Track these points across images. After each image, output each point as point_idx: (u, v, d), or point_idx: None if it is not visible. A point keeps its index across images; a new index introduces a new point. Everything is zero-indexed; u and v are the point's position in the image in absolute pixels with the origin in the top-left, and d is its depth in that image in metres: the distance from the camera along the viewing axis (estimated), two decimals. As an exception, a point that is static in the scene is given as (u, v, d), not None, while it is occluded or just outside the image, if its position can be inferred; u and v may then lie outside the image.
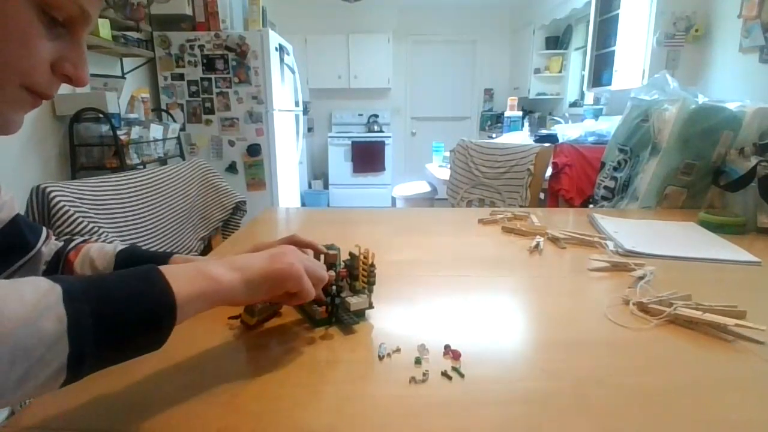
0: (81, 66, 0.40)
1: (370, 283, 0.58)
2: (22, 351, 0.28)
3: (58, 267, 0.60)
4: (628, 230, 0.99)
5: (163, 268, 0.38)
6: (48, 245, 0.61)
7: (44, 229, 0.61)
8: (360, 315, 0.58)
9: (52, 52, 0.38)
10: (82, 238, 0.66)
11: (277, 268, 0.45)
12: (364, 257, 0.59)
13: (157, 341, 0.36)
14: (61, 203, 1.08)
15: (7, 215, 0.55)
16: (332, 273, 0.58)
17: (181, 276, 0.38)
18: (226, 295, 0.41)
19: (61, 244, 0.62)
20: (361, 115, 5.79)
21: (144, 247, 0.67)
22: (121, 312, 0.34)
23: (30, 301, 0.30)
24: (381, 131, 5.63)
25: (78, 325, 0.31)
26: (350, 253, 0.61)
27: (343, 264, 0.62)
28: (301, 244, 0.62)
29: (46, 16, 0.36)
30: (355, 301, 0.56)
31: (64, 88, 0.42)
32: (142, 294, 0.35)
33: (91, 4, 0.38)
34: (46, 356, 0.30)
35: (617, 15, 3.16)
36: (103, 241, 0.67)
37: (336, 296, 0.56)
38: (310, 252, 0.63)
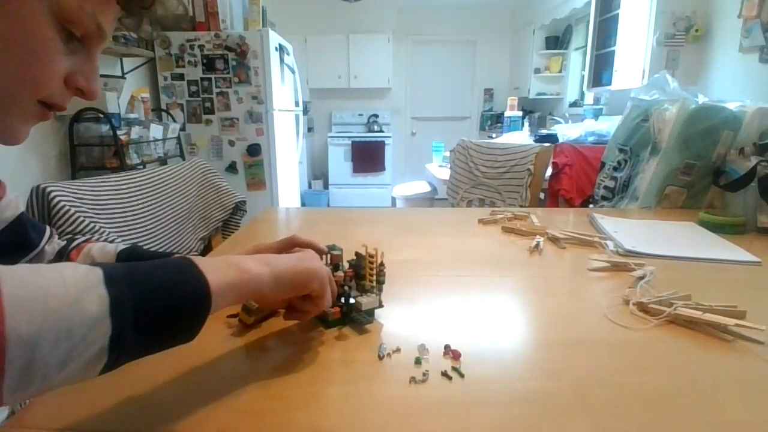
0: (93, 80, 0.41)
1: (380, 282, 0.58)
2: (66, 331, 0.28)
3: None
4: (628, 230, 0.99)
5: (194, 258, 0.39)
6: (51, 244, 0.61)
7: (48, 228, 0.61)
8: (370, 314, 0.58)
9: (66, 66, 0.39)
10: (84, 238, 0.66)
11: (305, 266, 0.46)
12: (371, 256, 0.58)
13: (191, 330, 0.37)
14: (62, 203, 1.08)
15: (12, 214, 0.55)
16: (340, 273, 0.58)
17: (213, 267, 0.39)
18: (255, 287, 0.42)
19: (63, 243, 0.63)
20: (361, 115, 5.79)
21: (144, 247, 0.67)
22: (160, 297, 0.34)
23: (72, 282, 0.30)
24: (381, 131, 5.63)
25: (119, 306, 0.31)
26: (356, 253, 0.61)
27: (347, 264, 0.62)
28: (301, 245, 0.62)
29: (64, 31, 0.37)
30: (366, 301, 0.56)
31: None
32: (179, 281, 0.36)
33: (107, 22, 0.40)
34: (89, 337, 0.30)
35: (617, 15, 3.16)
36: (105, 241, 0.67)
37: (349, 296, 0.56)
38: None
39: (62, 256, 0.61)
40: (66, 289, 0.29)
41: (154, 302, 0.34)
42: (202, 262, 0.38)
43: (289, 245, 0.62)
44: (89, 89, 0.41)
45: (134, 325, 0.32)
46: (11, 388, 0.27)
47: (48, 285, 0.29)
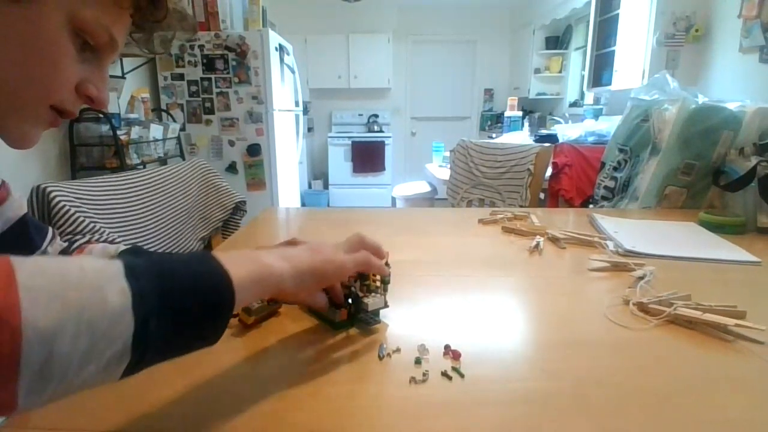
0: (103, 89, 0.43)
1: (385, 282, 0.58)
2: (86, 324, 0.26)
3: None
4: (628, 230, 0.99)
5: (214, 253, 0.38)
6: (53, 245, 0.61)
7: (50, 230, 0.62)
8: (376, 315, 0.58)
9: (78, 74, 0.40)
10: (84, 239, 0.66)
11: (322, 259, 0.46)
12: None
13: (215, 328, 0.35)
14: (62, 203, 1.08)
15: (16, 214, 0.55)
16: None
17: (233, 261, 0.37)
18: (277, 282, 0.41)
19: (65, 244, 0.63)
20: (361, 115, 5.79)
21: (144, 247, 0.67)
22: (183, 291, 0.33)
23: (91, 272, 0.28)
24: (381, 131, 5.63)
25: (142, 300, 0.29)
26: None
27: None
28: (294, 243, 0.62)
29: (79, 40, 0.38)
30: (372, 301, 0.55)
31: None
32: (202, 274, 0.35)
33: (119, 33, 0.41)
34: (111, 332, 0.27)
35: (617, 15, 3.16)
36: (105, 241, 0.67)
37: (357, 297, 0.56)
38: None
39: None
40: (86, 279, 0.28)
41: (177, 296, 0.32)
42: (222, 256, 0.37)
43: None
44: (99, 97, 0.42)
45: (157, 320, 0.30)
46: (27, 389, 0.25)
47: (67, 273, 0.27)
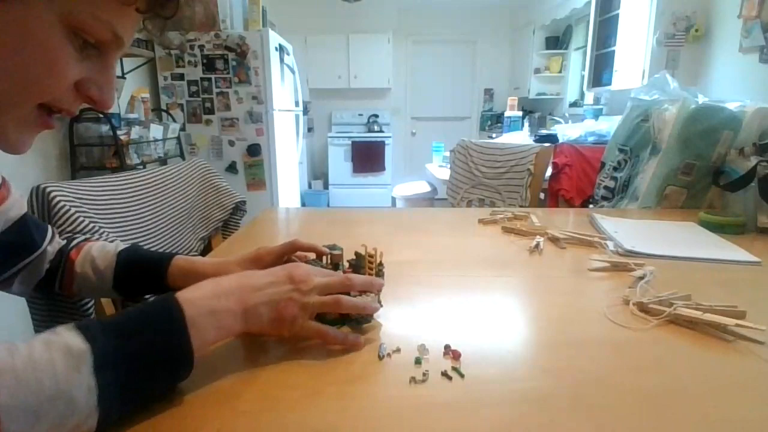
0: (107, 90, 0.40)
1: None
2: (57, 423, 0.32)
3: (60, 265, 0.61)
4: (628, 230, 0.99)
5: (184, 305, 0.41)
6: (52, 244, 0.61)
7: (50, 228, 0.62)
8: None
9: (79, 72, 0.37)
10: (83, 237, 0.66)
11: (278, 325, 0.48)
12: (370, 256, 0.58)
13: (174, 384, 0.42)
14: (62, 203, 1.08)
15: (17, 214, 0.56)
16: (340, 273, 0.57)
17: (202, 324, 0.42)
18: (227, 336, 0.46)
19: (64, 242, 0.63)
20: (361, 115, 5.79)
21: (144, 247, 0.67)
22: (148, 371, 0.38)
23: (62, 373, 0.32)
24: (381, 131, 5.63)
25: (107, 393, 0.34)
26: (356, 253, 0.61)
27: (347, 264, 0.62)
28: (302, 249, 0.62)
29: (78, 38, 0.36)
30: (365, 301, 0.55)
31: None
32: (166, 349, 0.39)
33: (125, 30, 0.38)
34: (80, 424, 0.33)
35: (617, 15, 3.16)
36: (104, 240, 0.67)
37: (348, 295, 0.56)
38: (311, 255, 0.63)
39: (63, 255, 0.61)
40: (57, 385, 0.32)
41: (142, 380, 0.38)
42: (192, 316, 0.41)
43: (291, 250, 0.62)
44: (102, 99, 0.40)
45: (121, 402, 0.36)
46: None
47: (40, 387, 0.31)
